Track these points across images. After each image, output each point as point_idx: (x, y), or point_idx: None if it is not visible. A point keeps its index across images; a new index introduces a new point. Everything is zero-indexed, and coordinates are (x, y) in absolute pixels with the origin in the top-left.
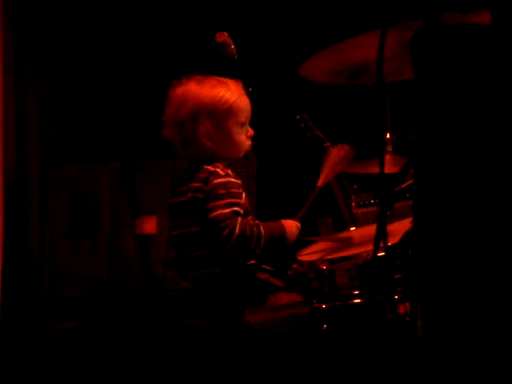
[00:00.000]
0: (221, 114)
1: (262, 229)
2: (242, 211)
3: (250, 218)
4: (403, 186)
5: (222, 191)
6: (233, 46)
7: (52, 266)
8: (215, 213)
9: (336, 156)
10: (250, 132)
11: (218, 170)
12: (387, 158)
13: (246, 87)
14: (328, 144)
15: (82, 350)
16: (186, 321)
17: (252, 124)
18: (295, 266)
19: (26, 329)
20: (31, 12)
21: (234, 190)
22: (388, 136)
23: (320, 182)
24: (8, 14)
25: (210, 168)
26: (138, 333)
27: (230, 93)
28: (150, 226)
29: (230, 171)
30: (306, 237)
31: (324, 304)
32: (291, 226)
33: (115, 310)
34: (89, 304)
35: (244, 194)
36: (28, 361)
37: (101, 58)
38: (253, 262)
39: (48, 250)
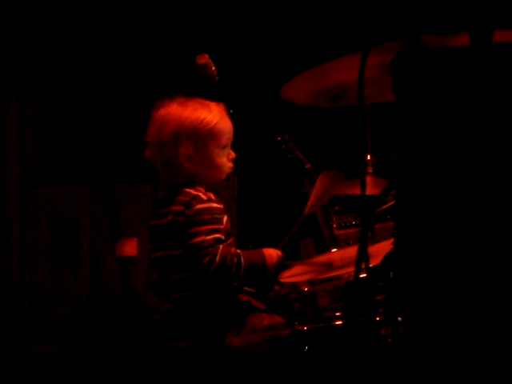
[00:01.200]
0: (202, 136)
1: (242, 259)
2: (223, 237)
3: (231, 240)
4: (384, 207)
5: (204, 217)
6: (214, 68)
7: (32, 289)
8: (197, 239)
9: (324, 183)
10: (232, 155)
11: (200, 194)
12: (368, 179)
13: (228, 110)
14: (309, 166)
15: (62, 375)
16: (168, 343)
17: (233, 146)
18: (277, 287)
19: (5, 352)
20: (13, 26)
21: (217, 216)
22: (369, 157)
23: (307, 210)
24: None
25: (192, 191)
26: (119, 356)
27: (212, 115)
28: (130, 247)
29: (212, 195)
30: (286, 261)
31: (306, 326)
32: (272, 255)
33: (96, 332)
34: (69, 327)
35: (225, 217)
36: None
37: (84, 77)
38: (234, 284)
39: (28, 272)
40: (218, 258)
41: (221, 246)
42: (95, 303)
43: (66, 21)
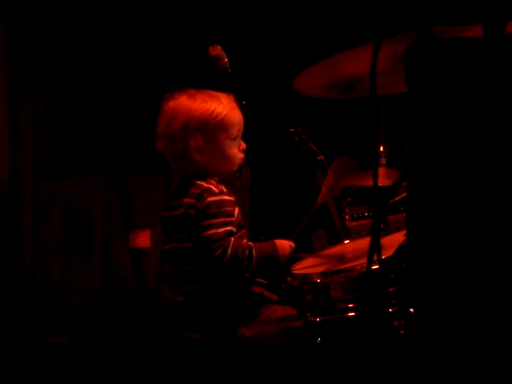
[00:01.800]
0: (212, 128)
1: (253, 251)
2: (234, 230)
3: (243, 232)
4: (397, 198)
5: (215, 210)
6: (226, 60)
7: (45, 280)
8: (209, 232)
9: (336, 172)
10: (243, 146)
11: (212, 186)
12: (381, 170)
13: (238, 100)
14: (322, 157)
15: (75, 365)
16: (181, 334)
17: (246, 137)
18: (289, 279)
19: (19, 343)
20: (25, 24)
21: (228, 209)
22: (382, 149)
23: (319, 200)
24: (2, 26)
25: (204, 184)
26: (132, 346)
27: (222, 106)
28: (143, 239)
29: (223, 187)
30: (298, 252)
31: (318, 317)
32: (284, 247)
33: (109, 323)
34: (82, 318)
35: (237, 210)
36: (21, 375)
37: (95, 71)
38: (246, 275)
39: (41, 264)
40: (229, 250)
41: (232, 239)
42: (108, 295)
43: (76, 15)
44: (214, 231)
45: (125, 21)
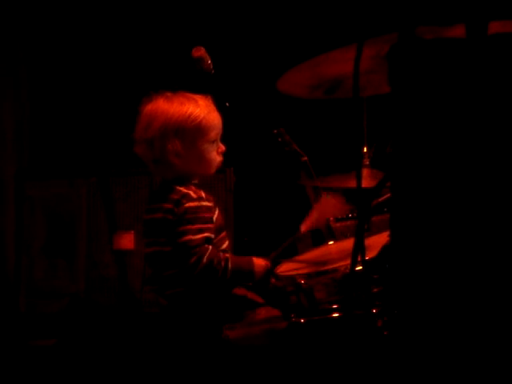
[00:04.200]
0: (190, 131)
1: (229, 263)
2: (212, 236)
3: (223, 234)
4: (381, 199)
5: (192, 215)
6: (209, 61)
7: (29, 283)
8: (185, 238)
9: (324, 206)
10: (222, 148)
11: (191, 192)
12: (365, 171)
13: (216, 102)
14: (305, 158)
15: (60, 368)
16: (163, 337)
17: (230, 138)
18: (273, 280)
19: (3, 346)
20: (6, 21)
21: (206, 215)
22: (365, 150)
23: (304, 228)
24: None
25: (183, 189)
26: (117, 349)
27: (199, 109)
28: (127, 241)
29: (202, 193)
30: (280, 258)
31: (302, 318)
32: (260, 264)
33: (93, 326)
34: (67, 321)
35: (217, 212)
36: (5, 379)
37: (79, 72)
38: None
39: (24, 266)
40: (204, 259)
41: (210, 248)
42: (92, 297)
43: (60, 14)
44: (190, 237)
45: (109, 21)
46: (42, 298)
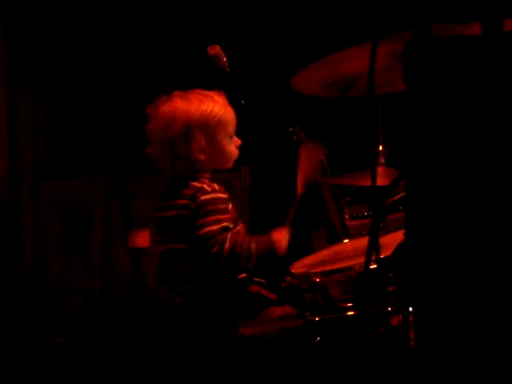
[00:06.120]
0: (212, 127)
1: (252, 246)
2: (230, 225)
3: (239, 228)
4: (396, 198)
5: (209, 208)
6: (225, 59)
7: (45, 281)
8: (204, 230)
9: (309, 155)
10: (238, 142)
11: (205, 185)
12: (380, 170)
13: (232, 100)
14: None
15: (74, 365)
16: (179, 334)
17: (245, 137)
18: (288, 278)
19: (18, 344)
20: (23, 25)
21: (222, 206)
22: (380, 148)
23: (299, 189)
24: (0, 23)
25: (197, 184)
26: (131, 346)
27: (218, 106)
28: (142, 239)
29: (216, 185)
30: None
31: (317, 316)
32: (280, 238)
33: (108, 324)
34: (82, 318)
35: (230, 206)
36: (20, 376)
37: (93, 70)
38: (244, 275)
39: (40, 264)
40: (226, 245)
41: (228, 234)
42: (107, 294)
43: (78, 11)
44: (208, 229)
45: (125, 17)
46: (58, 296)
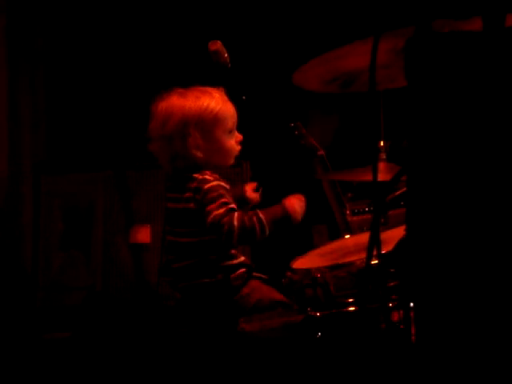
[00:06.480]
0: (208, 123)
1: (261, 215)
2: (235, 207)
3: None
4: (397, 193)
5: (213, 194)
6: (226, 55)
7: (46, 277)
8: (210, 216)
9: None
10: (239, 137)
11: (207, 176)
12: (381, 165)
13: (233, 96)
14: (322, 152)
15: (76, 361)
16: (180, 330)
17: (246, 132)
18: (289, 274)
19: (19, 339)
20: (25, 22)
21: (223, 192)
22: (382, 144)
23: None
24: (2, 18)
25: (199, 176)
26: (133, 342)
27: (215, 101)
28: (143, 235)
29: (217, 175)
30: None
31: (318, 312)
32: (292, 203)
33: (109, 319)
34: (83, 314)
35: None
36: (21, 371)
37: (94, 67)
38: (243, 270)
39: (41, 260)
40: (235, 222)
41: (236, 212)
42: (108, 290)
43: (79, 7)
44: (215, 213)
45: (126, 14)
46: (59, 292)
